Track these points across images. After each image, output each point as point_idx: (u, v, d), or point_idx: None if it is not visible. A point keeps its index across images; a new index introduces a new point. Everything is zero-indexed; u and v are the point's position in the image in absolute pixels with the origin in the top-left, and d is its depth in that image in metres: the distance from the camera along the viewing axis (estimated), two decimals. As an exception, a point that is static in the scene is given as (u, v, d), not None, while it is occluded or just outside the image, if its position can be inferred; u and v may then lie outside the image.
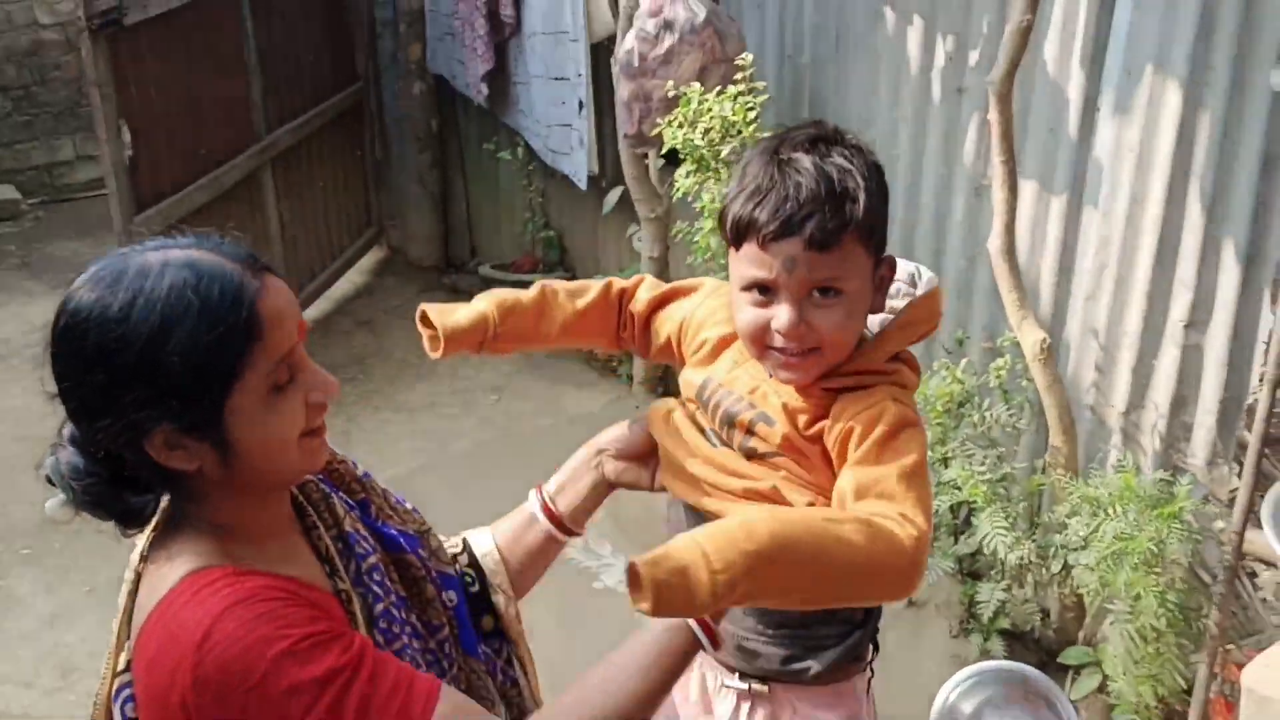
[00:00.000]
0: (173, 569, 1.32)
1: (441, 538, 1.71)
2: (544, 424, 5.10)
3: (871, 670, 1.81)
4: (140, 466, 1.32)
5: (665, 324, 1.76)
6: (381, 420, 5.30)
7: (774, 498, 1.55)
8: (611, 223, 5.52)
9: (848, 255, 1.49)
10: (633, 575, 1.24)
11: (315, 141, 6.43)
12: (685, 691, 1.86)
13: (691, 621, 1.38)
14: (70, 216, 8.11)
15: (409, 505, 1.68)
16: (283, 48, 6.00)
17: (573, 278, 6.04)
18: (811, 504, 1.52)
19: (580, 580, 3.76)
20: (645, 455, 1.73)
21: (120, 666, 1.36)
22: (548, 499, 1.74)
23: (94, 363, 1.26)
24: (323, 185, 6.55)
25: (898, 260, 1.60)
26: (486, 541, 1.76)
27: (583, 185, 5.23)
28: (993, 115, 3.14)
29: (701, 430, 1.66)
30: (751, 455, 1.58)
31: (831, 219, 1.46)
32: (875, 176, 1.52)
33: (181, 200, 5.08)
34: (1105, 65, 3.28)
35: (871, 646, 1.78)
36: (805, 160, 1.49)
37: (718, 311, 1.70)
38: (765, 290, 1.51)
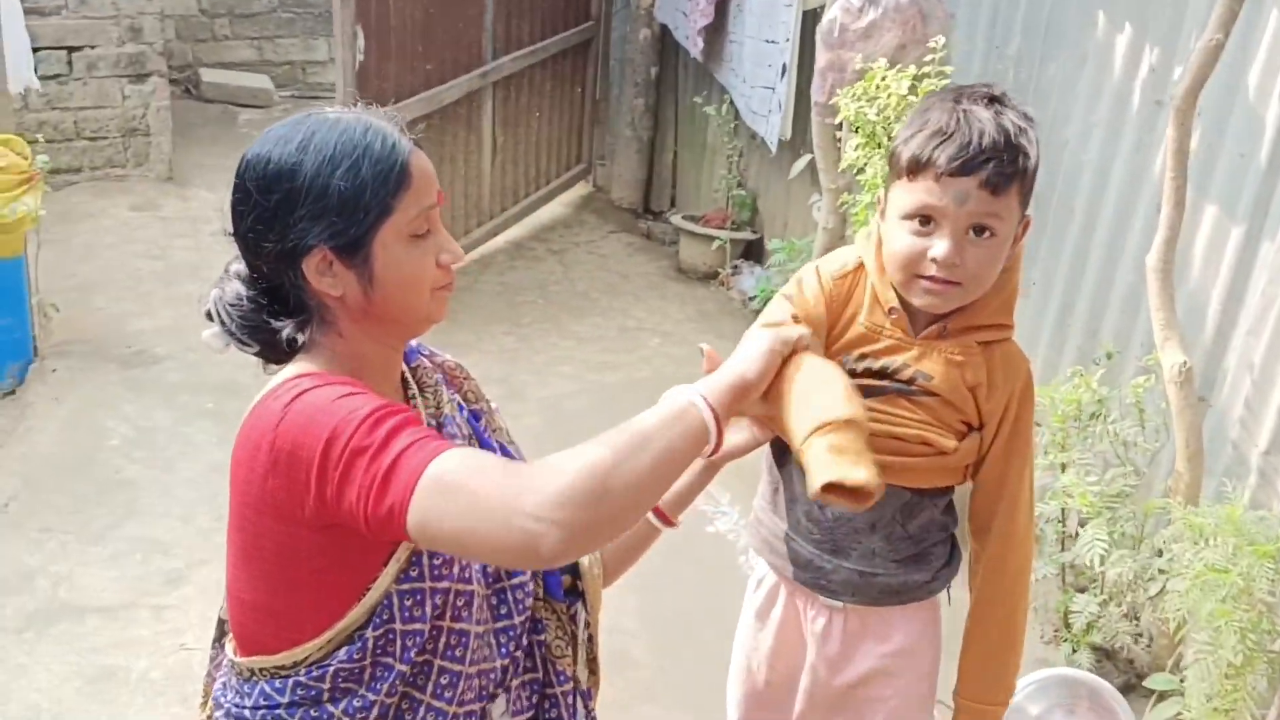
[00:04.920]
0: (284, 374, 1.53)
1: None
2: (698, 372, 5.22)
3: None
4: (291, 291, 1.53)
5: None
6: (550, 344, 5.55)
7: (915, 443, 1.79)
8: (798, 189, 5.59)
9: (1009, 203, 1.69)
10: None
11: (539, 73, 6.69)
12: (767, 619, 2.02)
13: (711, 423, 1.45)
14: (314, 112, 8.67)
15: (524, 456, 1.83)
16: (523, -22, 6.27)
17: (760, 239, 6.20)
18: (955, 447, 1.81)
19: (696, 520, 3.92)
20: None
21: None
22: None
23: (273, 183, 1.49)
24: (539, 115, 6.82)
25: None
26: None
27: (773, 148, 5.32)
28: (1170, 130, 3.09)
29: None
30: (903, 394, 1.79)
31: (1008, 166, 1.66)
32: (1038, 140, 1.72)
33: (401, 110, 5.39)
34: (1305, 98, 3.18)
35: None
36: (984, 112, 1.68)
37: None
38: (927, 222, 1.70)
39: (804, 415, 1.53)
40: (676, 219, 6.61)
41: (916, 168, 1.69)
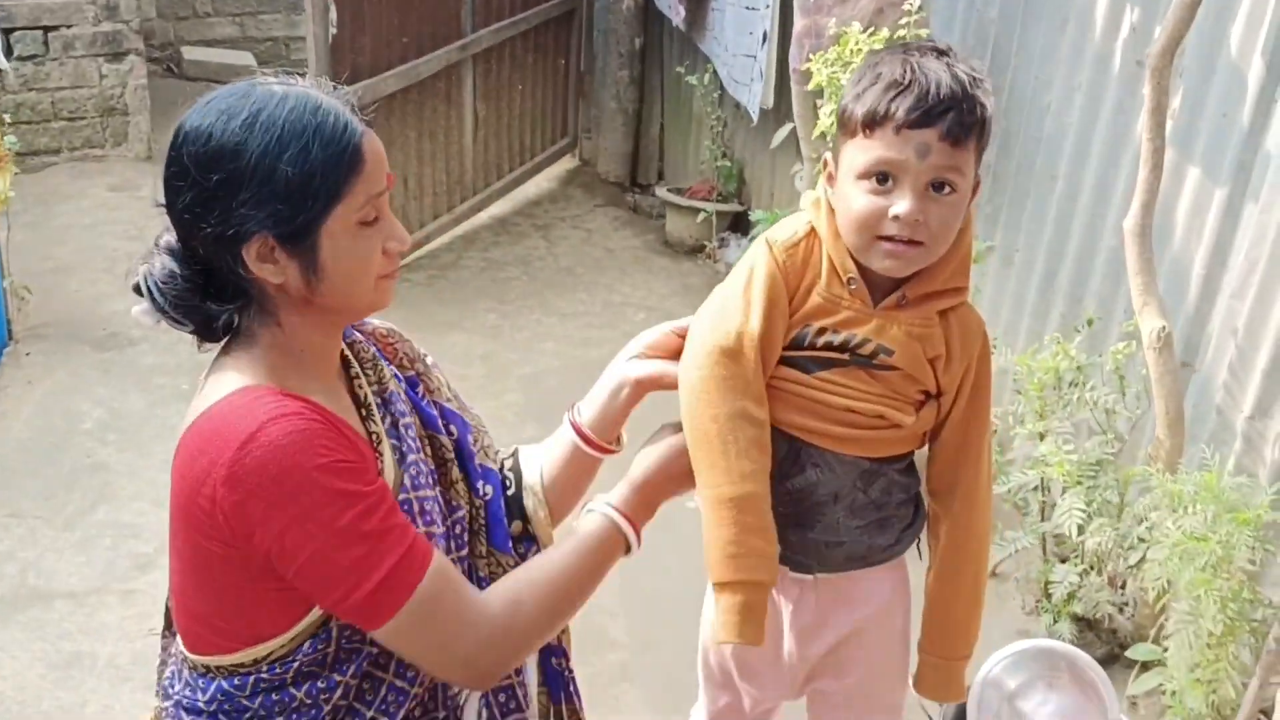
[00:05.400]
0: (226, 383, 1.44)
1: (499, 448, 1.79)
2: (680, 348, 5.18)
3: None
4: (229, 276, 1.44)
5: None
6: (533, 320, 5.49)
7: (871, 416, 1.73)
8: (783, 159, 5.51)
9: (968, 156, 1.63)
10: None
11: (520, 45, 6.60)
12: None
13: (630, 532, 1.65)
14: (296, 90, 8.60)
15: (471, 407, 1.77)
16: (500, -52, 6.18)
17: (746, 210, 6.12)
18: (912, 421, 1.76)
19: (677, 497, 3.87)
20: (676, 353, 1.75)
21: None
22: (575, 411, 1.78)
23: (213, 162, 1.39)
24: (522, 89, 6.73)
25: None
26: (533, 452, 1.80)
27: (754, 117, 5.24)
28: (1147, 89, 3.02)
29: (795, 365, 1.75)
30: (863, 366, 1.72)
31: (967, 116, 1.60)
32: (992, 92, 1.67)
33: (377, 84, 5.32)
34: (1287, 56, 3.11)
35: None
36: (936, 63, 1.62)
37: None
38: (885, 180, 1.62)
39: (733, 554, 1.67)
40: (662, 191, 6.53)
41: (873, 122, 1.61)
